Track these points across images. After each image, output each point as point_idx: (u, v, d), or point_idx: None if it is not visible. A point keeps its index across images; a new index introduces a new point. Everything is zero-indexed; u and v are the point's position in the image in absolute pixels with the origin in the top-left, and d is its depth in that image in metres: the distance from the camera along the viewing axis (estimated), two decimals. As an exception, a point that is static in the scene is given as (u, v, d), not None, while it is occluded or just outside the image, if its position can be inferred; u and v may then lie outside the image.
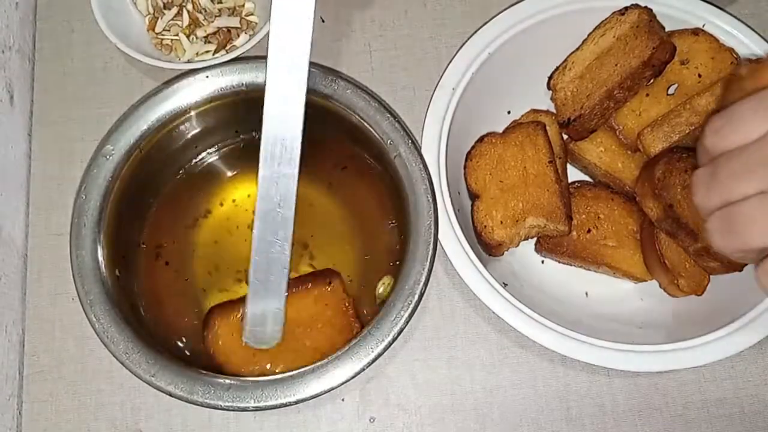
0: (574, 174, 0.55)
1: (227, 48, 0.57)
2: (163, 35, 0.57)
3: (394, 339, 0.45)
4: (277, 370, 0.48)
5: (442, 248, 0.48)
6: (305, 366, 0.45)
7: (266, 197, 0.42)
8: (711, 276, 0.50)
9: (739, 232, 0.32)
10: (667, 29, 0.52)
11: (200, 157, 0.55)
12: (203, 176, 0.56)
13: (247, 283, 0.45)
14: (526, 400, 0.50)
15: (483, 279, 0.48)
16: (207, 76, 0.51)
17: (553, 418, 0.50)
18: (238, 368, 0.49)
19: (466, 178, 0.52)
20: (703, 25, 0.53)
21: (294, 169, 0.41)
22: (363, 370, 0.45)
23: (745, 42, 0.52)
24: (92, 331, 0.46)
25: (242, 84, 0.51)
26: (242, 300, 0.47)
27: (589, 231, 0.52)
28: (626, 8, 0.52)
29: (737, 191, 0.32)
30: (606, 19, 0.53)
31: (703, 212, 0.34)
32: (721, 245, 0.33)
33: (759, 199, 0.31)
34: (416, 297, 0.46)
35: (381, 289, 0.51)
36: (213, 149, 0.56)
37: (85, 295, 0.46)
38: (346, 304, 0.50)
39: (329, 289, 0.50)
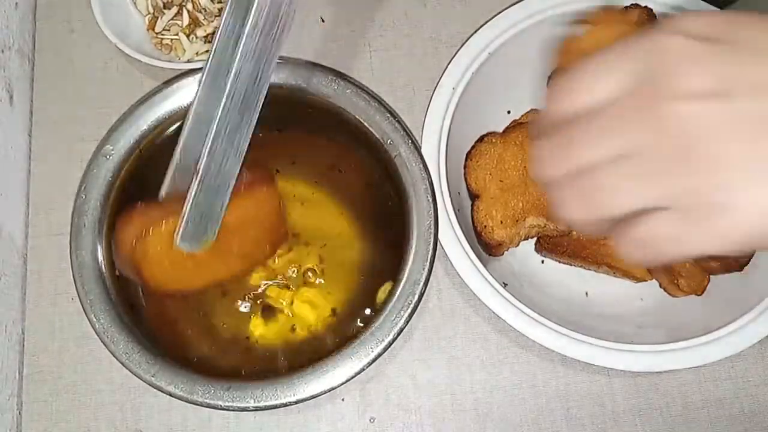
0: (574, 174, 0.55)
1: (227, 48, 0.57)
2: (163, 35, 0.57)
3: (394, 339, 0.45)
4: (200, 284, 0.46)
5: (442, 248, 0.48)
6: None
7: (243, 74, 0.38)
8: (711, 276, 0.50)
9: (599, 201, 0.28)
10: (667, 29, 0.52)
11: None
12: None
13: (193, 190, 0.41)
14: (526, 400, 0.50)
15: (483, 279, 0.48)
16: (207, 76, 0.51)
17: (553, 418, 0.50)
18: (163, 282, 0.45)
19: (466, 178, 0.53)
20: (703, 25, 0.53)
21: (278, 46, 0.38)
22: (363, 370, 0.45)
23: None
24: (92, 331, 0.46)
25: (242, 84, 0.51)
26: (172, 201, 0.43)
27: None
28: (626, 8, 0.52)
29: (588, 156, 0.28)
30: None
31: (547, 184, 0.30)
32: (576, 217, 0.29)
33: (616, 164, 0.28)
34: (416, 297, 0.46)
35: (381, 296, 0.51)
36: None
37: (85, 295, 0.46)
38: (279, 207, 0.47)
39: (265, 191, 0.46)
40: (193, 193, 0.41)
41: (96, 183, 0.49)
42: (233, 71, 0.38)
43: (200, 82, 0.42)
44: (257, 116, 0.40)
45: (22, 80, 0.57)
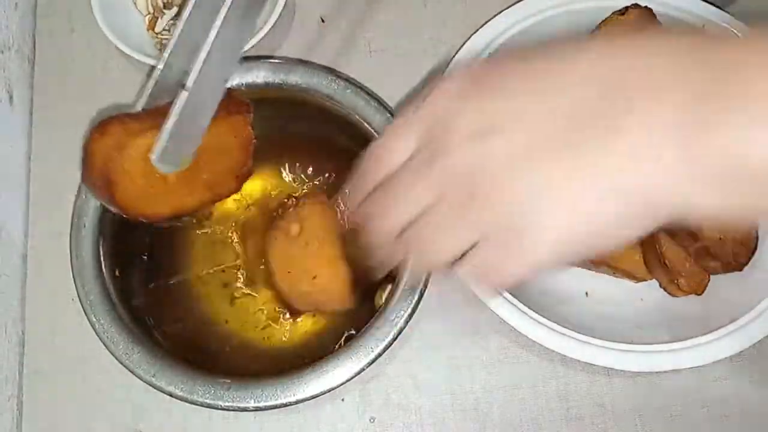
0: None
1: (227, 48, 0.57)
2: (163, 35, 0.57)
3: (394, 339, 0.45)
4: (167, 212, 0.43)
5: (442, 248, 0.48)
6: None
7: None
8: (711, 276, 0.50)
9: (426, 253, 0.32)
10: (667, 29, 0.52)
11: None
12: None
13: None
14: (526, 400, 0.50)
15: (483, 279, 0.48)
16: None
17: (553, 418, 0.50)
18: (133, 204, 0.42)
19: None
20: (703, 26, 0.53)
21: None
22: (363, 370, 0.45)
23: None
24: (92, 332, 0.46)
25: (242, 84, 0.51)
26: (150, 115, 0.40)
27: None
28: (626, 8, 0.52)
29: (401, 214, 0.32)
30: (606, 19, 0.53)
31: (382, 246, 0.34)
32: (420, 269, 0.35)
33: (426, 217, 0.31)
34: (416, 297, 0.46)
35: (379, 300, 0.51)
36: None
37: (85, 295, 0.46)
38: (250, 140, 0.46)
39: (241, 120, 0.45)
40: (179, 106, 0.38)
41: (96, 183, 0.49)
42: None
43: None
44: (254, 28, 0.38)
45: (22, 80, 0.57)
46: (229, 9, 0.37)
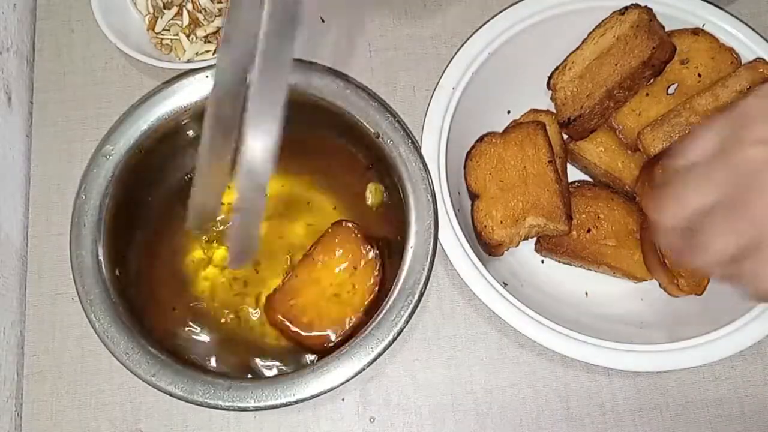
0: (574, 173, 0.55)
1: (227, 48, 0.57)
2: (162, 35, 0.57)
3: (394, 339, 0.45)
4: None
5: (442, 248, 0.48)
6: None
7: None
8: (711, 276, 0.50)
9: (702, 252, 0.33)
10: (667, 29, 0.52)
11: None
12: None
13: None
14: (526, 400, 0.50)
15: (483, 279, 0.48)
16: (207, 76, 0.51)
17: (553, 418, 0.50)
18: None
19: (466, 178, 0.52)
20: (703, 25, 0.53)
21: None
22: (363, 369, 0.45)
23: (745, 42, 0.52)
24: (92, 331, 0.46)
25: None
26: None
27: (588, 231, 0.52)
28: (626, 8, 0.52)
29: (694, 202, 0.33)
30: (606, 18, 0.53)
31: (664, 235, 0.36)
32: (691, 263, 0.35)
33: (711, 215, 0.32)
34: (416, 297, 0.46)
35: (370, 198, 0.52)
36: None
37: (85, 295, 0.46)
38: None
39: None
40: (236, 224, 0.37)
41: (96, 183, 0.49)
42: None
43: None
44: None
45: (21, 81, 0.57)
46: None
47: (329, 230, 0.51)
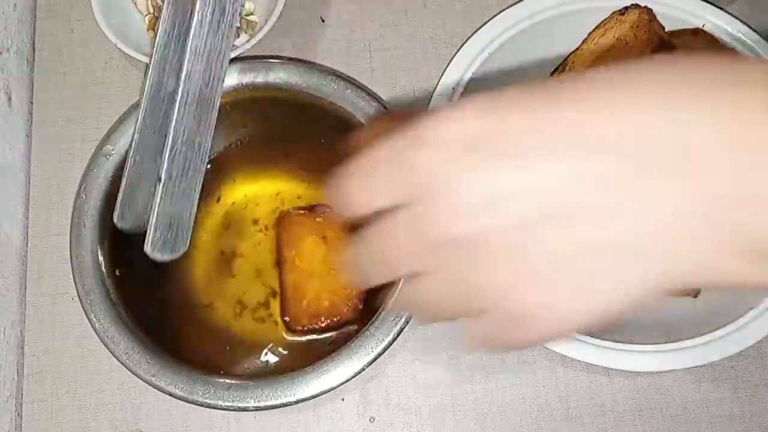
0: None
1: (227, 48, 0.57)
2: (162, 35, 0.57)
3: (394, 339, 0.45)
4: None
5: (442, 248, 0.48)
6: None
7: (194, 74, 0.37)
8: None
9: (426, 313, 0.30)
10: (667, 29, 0.52)
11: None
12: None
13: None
14: (526, 400, 0.50)
15: (483, 279, 0.48)
16: (207, 76, 0.51)
17: (553, 418, 0.50)
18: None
19: None
20: (703, 25, 0.53)
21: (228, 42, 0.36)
22: (363, 369, 0.45)
23: (745, 42, 0.52)
24: (92, 331, 0.46)
25: (242, 84, 0.51)
26: None
27: None
28: (626, 8, 0.52)
29: (390, 276, 0.29)
30: (606, 19, 0.53)
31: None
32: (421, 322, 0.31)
33: (421, 284, 0.28)
34: (416, 297, 0.46)
35: None
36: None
37: (85, 295, 0.46)
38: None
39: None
40: (158, 201, 0.40)
41: (96, 183, 0.49)
42: (183, 73, 0.37)
43: (144, 90, 0.41)
44: (215, 117, 0.39)
45: (21, 81, 0.57)
46: (186, 91, 0.38)
47: (277, 230, 0.52)
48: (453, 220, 0.26)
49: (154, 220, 0.41)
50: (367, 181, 0.28)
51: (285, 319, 0.50)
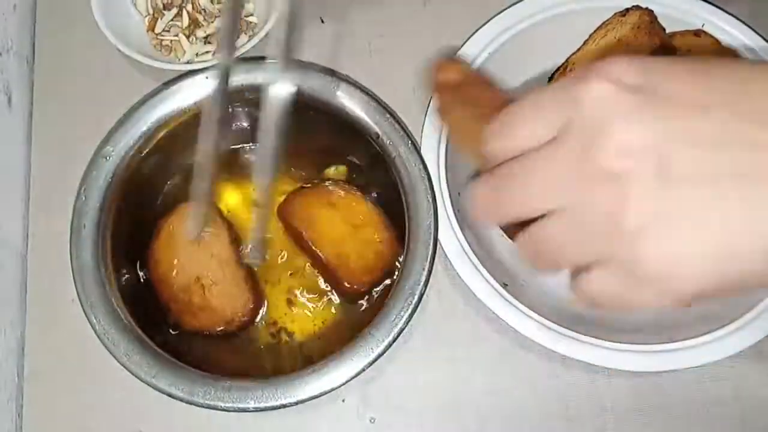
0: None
1: (227, 48, 0.57)
2: (162, 36, 0.57)
3: (394, 339, 0.45)
4: None
5: (442, 248, 0.48)
6: None
7: None
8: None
9: (545, 256, 0.30)
10: (667, 30, 0.52)
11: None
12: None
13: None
14: (526, 400, 0.50)
15: (483, 279, 0.48)
16: (207, 77, 0.51)
17: (553, 418, 0.50)
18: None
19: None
20: (703, 25, 0.53)
21: None
22: (363, 370, 0.45)
23: (745, 42, 0.52)
24: (92, 333, 0.46)
25: (242, 85, 0.51)
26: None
27: None
28: (627, 9, 0.52)
29: (523, 208, 0.29)
30: (607, 20, 0.53)
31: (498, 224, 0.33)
32: (534, 266, 0.31)
33: (553, 220, 0.28)
34: (416, 297, 0.46)
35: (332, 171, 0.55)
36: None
37: (85, 296, 0.46)
38: None
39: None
40: (260, 221, 0.41)
41: (96, 184, 0.49)
42: None
43: None
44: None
45: (21, 82, 0.57)
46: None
47: (283, 218, 0.52)
48: (620, 156, 0.26)
49: (258, 235, 0.42)
50: (534, 112, 0.29)
51: (345, 285, 0.51)
